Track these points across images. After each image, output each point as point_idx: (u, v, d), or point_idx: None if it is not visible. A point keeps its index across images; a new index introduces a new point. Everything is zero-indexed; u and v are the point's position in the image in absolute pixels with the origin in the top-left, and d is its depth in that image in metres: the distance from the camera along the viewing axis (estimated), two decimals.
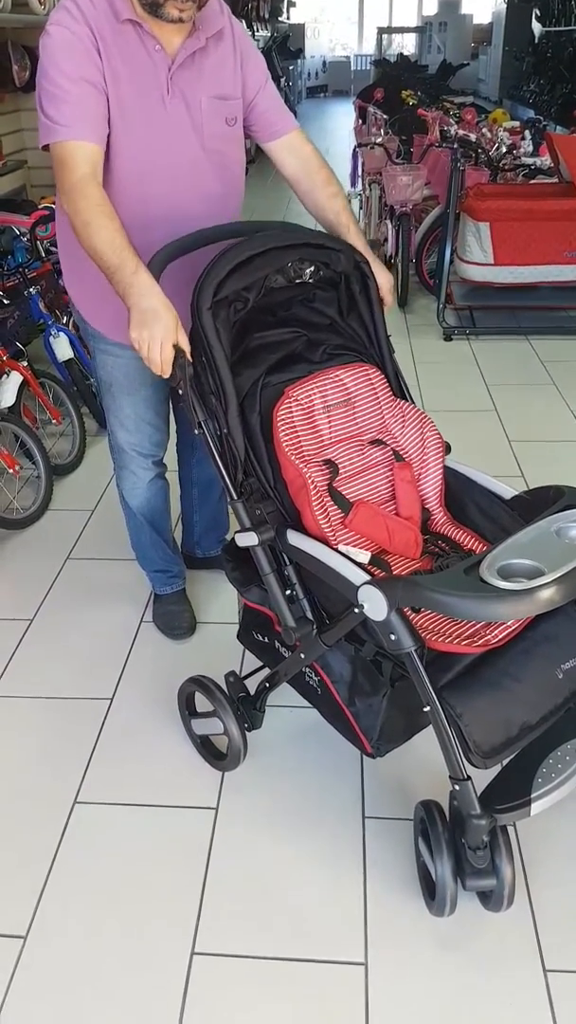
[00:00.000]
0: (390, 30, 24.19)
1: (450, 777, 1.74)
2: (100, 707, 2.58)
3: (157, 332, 1.84)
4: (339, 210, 2.26)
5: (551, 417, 4.45)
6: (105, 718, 2.54)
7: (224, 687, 2.26)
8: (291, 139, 2.31)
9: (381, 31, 23.77)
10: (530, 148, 6.99)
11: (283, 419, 1.97)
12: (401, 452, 2.15)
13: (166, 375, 1.89)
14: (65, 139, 1.96)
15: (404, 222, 5.92)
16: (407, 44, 24.27)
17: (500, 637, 1.81)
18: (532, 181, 6.26)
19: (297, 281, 2.01)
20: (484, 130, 7.30)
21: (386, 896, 1.99)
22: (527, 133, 7.39)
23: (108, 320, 2.30)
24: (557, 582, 1.53)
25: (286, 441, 1.96)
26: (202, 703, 2.32)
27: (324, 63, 25.16)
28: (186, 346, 1.88)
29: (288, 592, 1.95)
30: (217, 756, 2.35)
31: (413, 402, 2.20)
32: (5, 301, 3.93)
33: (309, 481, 1.92)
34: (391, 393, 2.16)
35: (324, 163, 2.33)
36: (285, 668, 2.09)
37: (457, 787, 1.74)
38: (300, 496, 1.94)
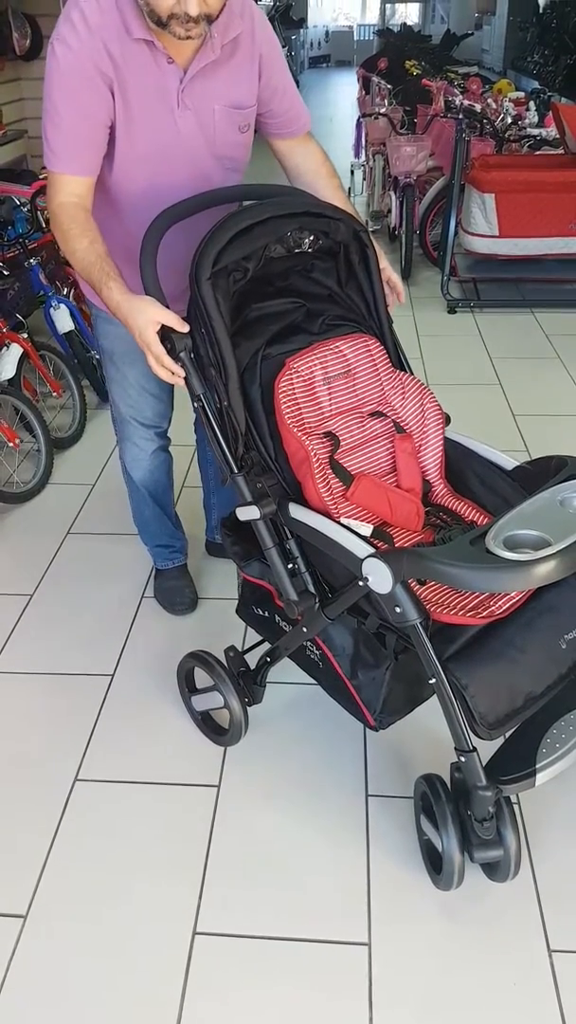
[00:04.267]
0: (394, 0, 23.93)
1: (456, 749, 1.73)
2: (101, 683, 2.56)
3: (138, 336, 1.84)
4: (341, 204, 2.20)
5: (556, 391, 4.41)
6: (106, 695, 2.52)
7: (224, 662, 2.25)
8: (303, 140, 2.29)
9: (384, 0, 23.52)
10: (535, 119, 6.92)
11: (284, 391, 1.94)
12: (401, 424, 2.12)
13: (172, 372, 1.85)
14: (57, 171, 1.98)
15: (408, 193, 5.86)
16: (411, 14, 24.09)
17: (504, 608, 1.80)
18: (537, 152, 6.19)
19: (296, 251, 1.97)
20: (489, 100, 7.23)
21: (390, 875, 1.98)
22: (532, 104, 7.32)
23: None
24: (564, 552, 1.51)
25: (288, 413, 1.93)
26: (202, 679, 2.30)
27: (327, 33, 24.88)
28: (173, 323, 1.83)
29: (290, 565, 1.92)
30: (218, 732, 2.34)
31: (412, 373, 2.17)
32: (5, 272, 3.88)
33: (312, 454, 1.89)
34: (390, 364, 2.14)
35: (327, 159, 2.32)
36: (286, 642, 2.07)
37: (463, 759, 1.73)
38: (302, 469, 1.91)
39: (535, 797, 2.12)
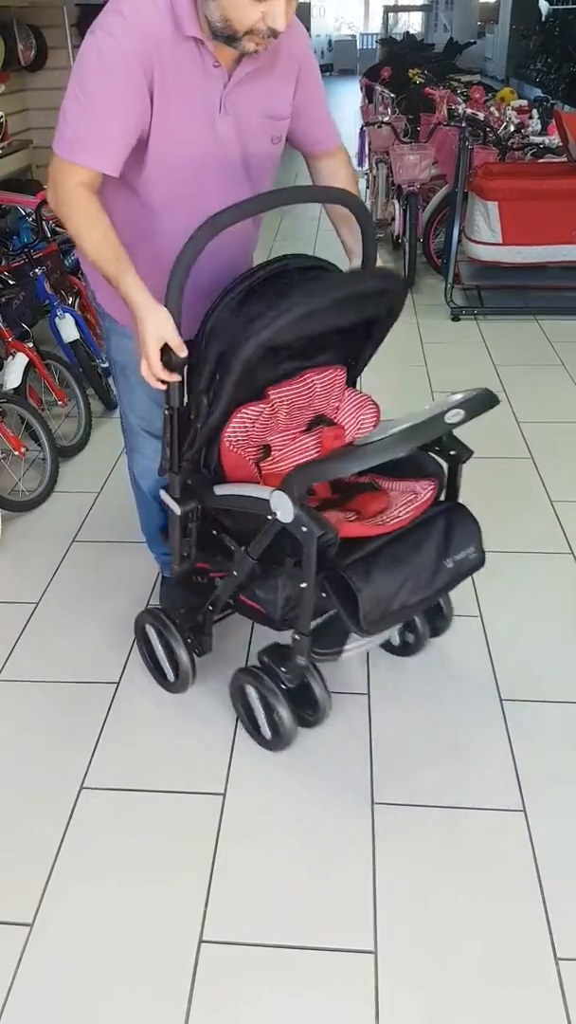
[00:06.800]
0: (396, 8, 24.08)
1: (296, 632, 2.02)
2: (106, 691, 2.56)
3: (140, 342, 1.89)
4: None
5: (560, 398, 4.41)
6: (111, 703, 2.52)
7: (175, 618, 2.45)
8: (335, 153, 2.34)
9: (387, 9, 23.67)
10: (538, 127, 6.94)
11: (240, 421, 2.08)
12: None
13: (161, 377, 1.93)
14: (79, 162, 1.91)
15: (411, 201, 5.87)
16: (413, 22, 24.18)
17: (392, 523, 2.07)
18: (541, 160, 6.21)
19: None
20: (492, 109, 7.24)
21: (396, 884, 1.98)
22: (535, 112, 7.33)
23: (118, 306, 2.28)
24: (402, 434, 1.84)
25: (233, 441, 2.09)
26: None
27: (330, 42, 24.91)
28: (175, 347, 1.89)
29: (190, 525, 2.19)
30: (165, 678, 2.55)
31: (358, 389, 2.34)
32: (11, 282, 3.90)
33: (252, 465, 2.14)
34: (343, 385, 2.29)
35: (353, 175, 2.35)
36: (222, 590, 2.27)
37: (297, 638, 2.03)
38: (236, 476, 2.12)
39: (545, 809, 2.13)
